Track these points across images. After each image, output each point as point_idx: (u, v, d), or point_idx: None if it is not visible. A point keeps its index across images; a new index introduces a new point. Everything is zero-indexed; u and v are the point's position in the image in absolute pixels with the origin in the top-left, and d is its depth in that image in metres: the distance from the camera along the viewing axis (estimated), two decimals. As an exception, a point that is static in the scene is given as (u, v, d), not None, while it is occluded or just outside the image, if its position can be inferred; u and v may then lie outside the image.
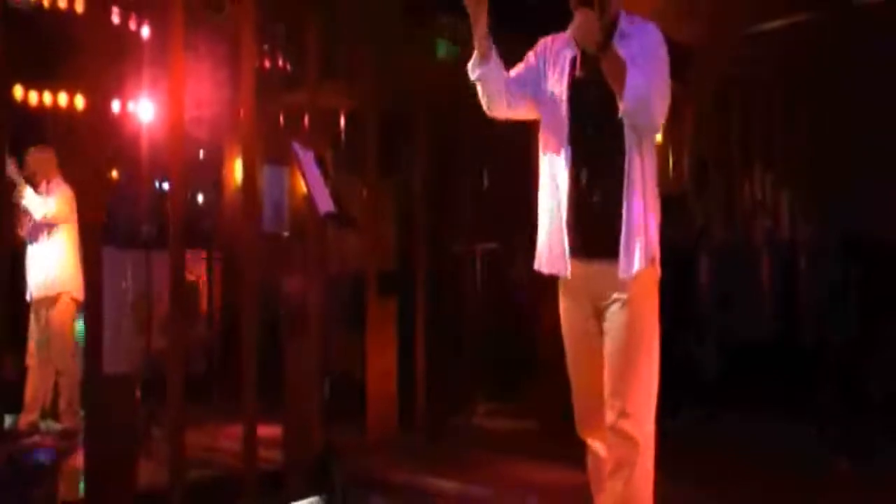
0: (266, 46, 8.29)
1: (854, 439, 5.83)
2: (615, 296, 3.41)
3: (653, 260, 3.40)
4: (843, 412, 6.17)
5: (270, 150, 7.69)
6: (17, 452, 4.74)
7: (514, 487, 5.25)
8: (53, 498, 4.75)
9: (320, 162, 4.78)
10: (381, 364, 6.66)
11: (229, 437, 6.18)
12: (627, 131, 3.36)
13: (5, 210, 5.87)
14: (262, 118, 6.34)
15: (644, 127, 3.35)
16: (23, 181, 6.73)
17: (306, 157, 4.73)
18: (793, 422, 6.24)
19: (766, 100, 9.76)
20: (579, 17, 3.32)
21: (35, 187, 6.85)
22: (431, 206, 7.28)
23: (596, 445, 3.62)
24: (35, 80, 8.54)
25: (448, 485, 5.31)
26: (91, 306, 4.98)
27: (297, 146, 4.78)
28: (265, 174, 8.26)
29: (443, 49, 8.52)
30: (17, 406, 6.79)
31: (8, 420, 5.93)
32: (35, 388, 6.97)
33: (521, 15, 4.75)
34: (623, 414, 3.37)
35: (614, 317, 3.43)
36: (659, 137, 3.40)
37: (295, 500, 5.00)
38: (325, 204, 4.64)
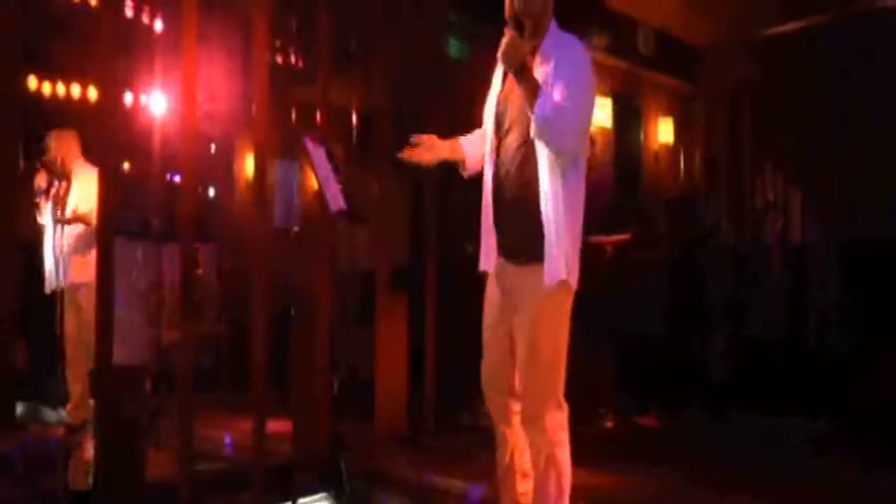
0: (279, 41, 8.30)
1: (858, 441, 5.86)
2: (524, 297, 3.70)
3: (564, 269, 3.61)
4: (849, 414, 6.18)
5: (282, 145, 7.70)
6: (27, 442, 4.73)
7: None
8: (63, 488, 4.76)
9: (331, 158, 4.77)
10: (390, 361, 6.66)
11: (238, 431, 6.18)
12: (540, 148, 3.59)
13: (18, 201, 5.88)
14: (275, 113, 6.33)
15: (552, 149, 3.55)
16: (42, 167, 6.68)
17: (318, 153, 4.72)
18: (799, 421, 6.26)
19: (778, 102, 9.76)
20: (504, 38, 3.58)
21: (56, 171, 6.76)
22: (443, 204, 7.27)
23: (502, 430, 3.89)
24: (49, 71, 8.55)
25: (455, 483, 5.32)
26: (102, 297, 4.99)
27: (308, 142, 4.78)
28: (276, 169, 8.27)
29: (454, 47, 8.53)
30: (30, 395, 6.75)
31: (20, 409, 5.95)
32: (76, 377, 6.86)
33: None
34: (526, 415, 3.72)
35: (520, 318, 3.72)
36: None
37: (303, 494, 5.01)
38: (337, 201, 4.63)
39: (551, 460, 3.69)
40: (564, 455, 3.73)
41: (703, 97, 11.01)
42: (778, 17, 9.25)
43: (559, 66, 3.59)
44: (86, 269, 6.70)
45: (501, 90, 3.84)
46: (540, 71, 3.62)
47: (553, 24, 3.74)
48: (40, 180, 6.59)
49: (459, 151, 4.00)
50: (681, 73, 10.87)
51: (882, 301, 6.49)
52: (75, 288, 6.71)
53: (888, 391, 6.11)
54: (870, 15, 8.78)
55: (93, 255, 6.73)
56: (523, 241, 3.69)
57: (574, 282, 3.69)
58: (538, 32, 3.69)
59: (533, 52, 3.67)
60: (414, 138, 3.94)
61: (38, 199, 6.64)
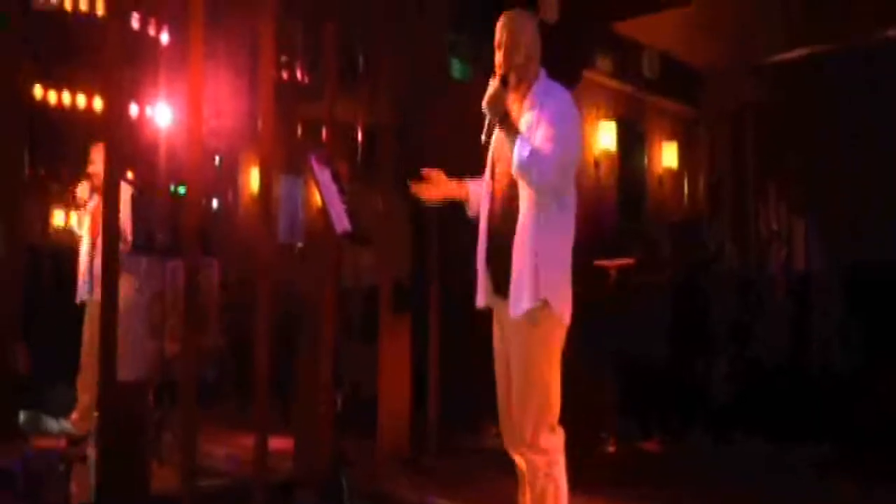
0: (285, 57, 8.30)
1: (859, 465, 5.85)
2: (513, 330, 3.88)
3: (546, 302, 3.78)
4: (854, 437, 6.16)
5: (287, 161, 7.69)
6: (29, 455, 4.69)
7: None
8: (66, 501, 4.72)
9: (337, 178, 4.78)
10: (394, 380, 6.62)
11: (240, 446, 6.14)
12: (523, 187, 3.83)
13: (24, 208, 5.83)
14: (280, 128, 6.32)
15: (534, 188, 3.79)
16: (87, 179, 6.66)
17: (323, 173, 4.74)
18: (800, 446, 6.24)
19: (782, 127, 9.78)
20: (489, 88, 3.86)
21: (96, 185, 6.73)
22: (447, 224, 7.26)
23: (517, 459, 4.00)
24: (55, 81, 8.54)
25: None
26: (105, 311, 4.96)
27: (314, 162, 4.79)
28: (281, 185, 8.26)
29: (457, 67, 8.54)
30: (31, 402, 6.71)
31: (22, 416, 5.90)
32: (85, 387, 6.78)
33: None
34: (523, 441, 3.86)
35: (512, 349, 3.92)
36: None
37: (304, 512, 4.98)
38: (342, 222, 4.66)
39: (549, 477, 3.85)
40: (561, 473, 3.89)
41: (707, 121, 11.03)
42: (783, 43, 9.28)
43: (543, 111, 3.86)
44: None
45: (497, 135, 4.04)
46: (527, 117, 3.90)
47: (542, 73, 4.01)
48: (83, 192, 6.57)
49: (465, 192, 4.23)
50: (685, 98, 10.89)
51: (886, 324, 6.48)
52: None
53: (892, 414, 6.10)
54: (875, 44, 8.81)
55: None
56: (506, 276, 3.85)
57: (560, 311, 3.85)
58: (524, 82, 3.97)
59: (521, 101, 3.96)
60: (424, 172, 4.18)
61: (78, 211, 6.64)
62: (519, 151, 3.75)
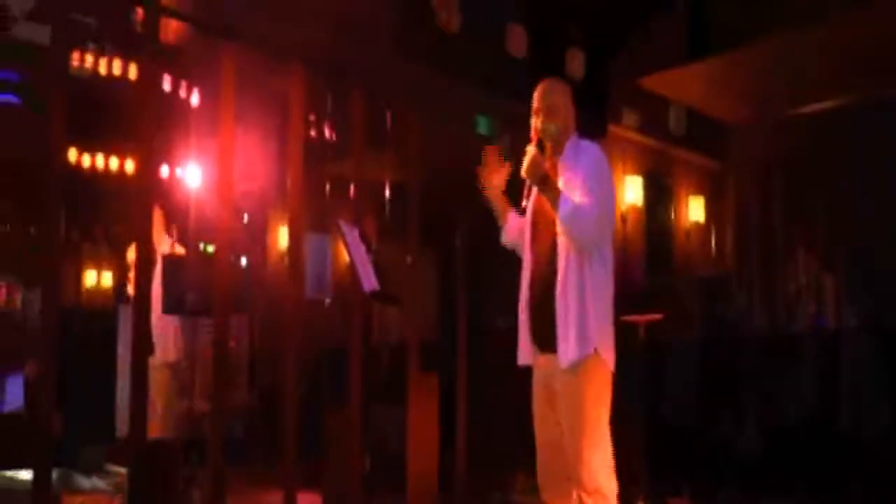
0: (313, 116, 8.40)
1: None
2: (559, 384, 3.95)
3: (595, 351, 3.89)
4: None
5: (315, 218, 7.76)
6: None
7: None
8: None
9: (365, 238, 4.89)
10: (422, 437, 6.62)
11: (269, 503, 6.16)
12: (563, 243, 3.97)
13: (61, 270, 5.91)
14: (308, 187, 6.41)
15: (578, 243, 3.92)
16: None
17: (352, 234, 4.83)
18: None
19: (809, 180, 9.76)
20: (526, 156, 4.02)
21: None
22: (474, 279, 7.30)
23: None
24: (88, 144, 8.70)
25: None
26: (135, 370, 5.03)
27: (343, 224, 4.90)
28: (309, 241, 8.32)
29: (483, 125, 8.62)
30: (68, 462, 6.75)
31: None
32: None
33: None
34: (582, 487, 3.88)
35: (560, 402, 3.97)
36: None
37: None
38: (370, 282, 4.74)
39: None
40: None
41: (734, 175, 11.03)
42: (810, 95, 9.30)
43: (578, 168, 4.01)
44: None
45: (534, 198, 4.19)
46: (563, 178, 4.04)
47: (573, 137, 4.15)
48: (132, 254, 6.68)
49: (508, 215, 4.34)
50: (711, 151, 10.92)
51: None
52: None
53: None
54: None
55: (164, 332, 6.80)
56: (551, 331, 3.96)
57: (608, 359, 3.96)
58: (559, 148, 4.11)
59: (555, 161, 4.10)
60: (486, 153, 4.27)
61: (129, 273, 6.73)
62: (562, 209, 3.89)
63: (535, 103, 4.14)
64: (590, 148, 4.10)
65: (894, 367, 6.55)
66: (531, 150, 4.02)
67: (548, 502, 4.10)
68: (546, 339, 4.01)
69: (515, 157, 4.13)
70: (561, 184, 4.01)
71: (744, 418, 7.07)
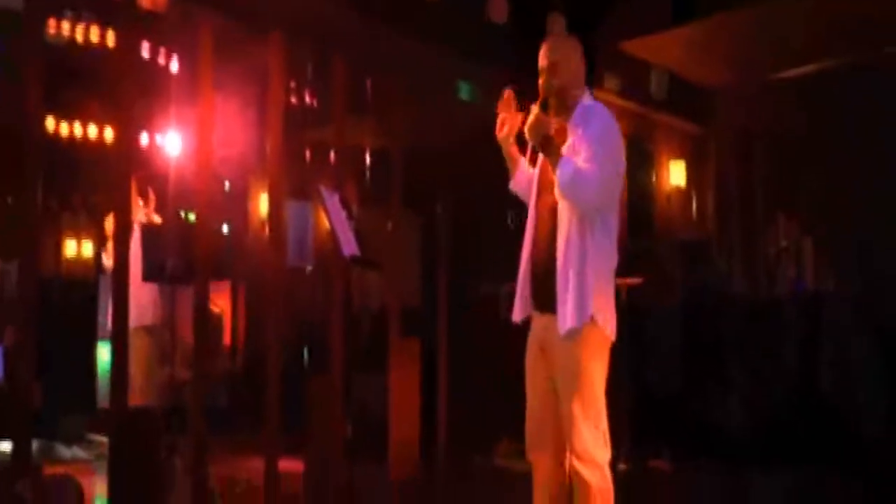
0: (293, 82, 8.34)
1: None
2: (560, 349, 3.92)
3: (592, 319, 3.85)
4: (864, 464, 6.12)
5: (296, 186, 7.74)
6: (43, 484, 4.74)
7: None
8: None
9: (345, 204, 4.87)
10: (403, 403, 6.65)
11: (251, 470, 6.17)
12: (564, 208, 3.92)
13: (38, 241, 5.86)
14: (289, 153, 6.38)
15: (576, 208, 3.88)
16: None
17: (332, 200, 4.82)
18: (815, 479, 6.20)
19: (789, 146, 9.78)
20: (530, 116, 3.97)
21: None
22: (455, 246, 7.30)
23: (539, 464, 4.08)
24: (66, 113, 8.64)
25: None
26: (116, 338, 5.02)
27: (323, 189, 4.88)
28: (290, 209, 8.30)
29: (464, 90, 8.59)
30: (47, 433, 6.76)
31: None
32: None
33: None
34: (574, 454, 3.88)
35: (556, 369, 3.95)
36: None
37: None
38: (350, 247, 4.72)
39: (602, 492, 3.89)
40: (611, 490, 3.93)
41: (716, 139, 11.03)
42: (792, 60, 9.28)
43: (585, 132, 3.93)
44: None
45: (541, 160, 4.14)
46: (571, 140, 3.96)
47: (585, 95, 4.10)
48: (110, 224, 6.64)
49: (518, 162, 4.28)
50: (693, 116, 10.90)
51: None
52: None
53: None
54: (885, 60, 8.81)
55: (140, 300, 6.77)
56: (550, 293, 3.93)
57: (606, 328, 3.92)
58: (566, 105, 4.05)
59: (563, 125, 4.02)
60: (506, 92, 4.17)
61: (107, 244, 6.70)
62: (561, 172, 3.85)
63: (540, 61, 4.09)
64: (600, 112, 4.04)
65: (875, 333, 6.58)
66: (535, 109, 3.97)
67: (534, 461, 4.10)
68: (545, 301, 3.99)
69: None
70: (567, 146, 3.96)
71: (724, 383, 7.10)
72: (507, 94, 4.17)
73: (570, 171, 3.83)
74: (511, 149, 4.25)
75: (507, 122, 4.16)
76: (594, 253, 3.88)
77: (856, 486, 5.92)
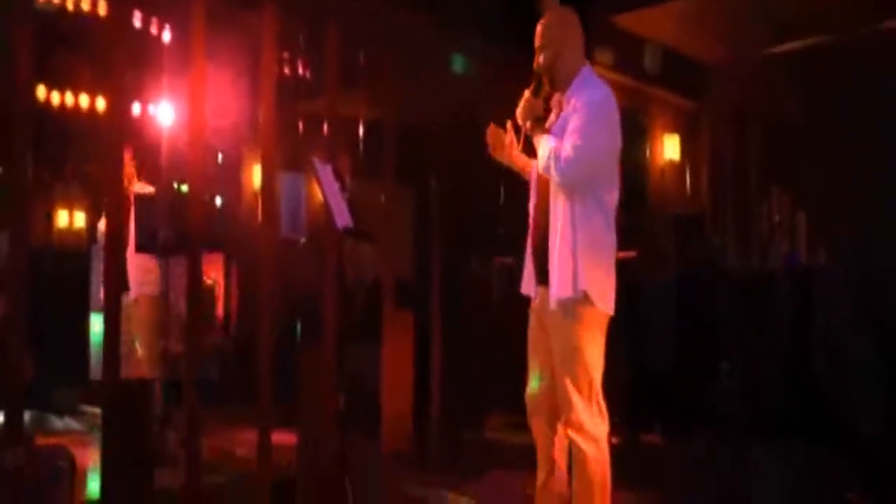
0: (286, 53, 8.29)
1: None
2: (555, 322, 4.01)
3: (586, 296, 3.90)
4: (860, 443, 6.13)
5: (289, 157, 7.70)
6: (35, 455, 4.73)
7: (529, 502, 5.23)
8: (71, 499, 4.75)
9: (338, 175, 4.84)
10: (396, 376, 6.66)
11: (244, 442, 6.17)
12: (554, 185, 3.97)
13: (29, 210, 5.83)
14: (282, 125, 6.35)
15: (561, 185, 3.92)
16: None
17: (324, 171, 4.79)
18: (808, 451, 6.21)
19: (783, 121, 9.76)
20: (522, 98, 4.06)
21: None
22: (449, 219, 7.27)
23: (537, 430, 4.19)
24: (57, 82, 8.58)
25: (461, 499, 5.30)
26: (108, 310, 5.00)
27: (316, 160, 4.86)
28: (283, 180, 8.26)
29: (459, 63, 8.55)
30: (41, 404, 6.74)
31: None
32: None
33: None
34: (569, 423, 3.95)
35: (553, 342, 4.03)
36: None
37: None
38: (343, 218, 4.70)
39: (598, 463, 3.95)
40: (608, 461, 3.99)
41: (710, 113, 11.00)
42: (786, 35, 9.26)
43: (576, 109, 3.95)
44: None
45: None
46: (565, 114, 4.02)
47: (583, 70, 4.09)
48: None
49: (528, 164, 4.31)
50: (687, 90, 10.87)
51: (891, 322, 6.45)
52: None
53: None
54: (880, 34, 8.78)
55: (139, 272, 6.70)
56: (546, 267, 4.02)
57: (601, 303, 3.96)
58: (562, 80, 4.07)
59: (560, 101, 4.09)
60: (490, 131, 4.24)
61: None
62: (541, 151, 3.95)
63: (535, 41, 4.11)
64: (596, 88, 4.02)
65: (867, 307, 6.58)
66: (527, 93, 4.04)
67: (533, 427, 4.19)
68: (542, 274, 4.09)
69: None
70: (561, 117, 4.02)
71: (716, 357, 7.10)
72: (491, 129, 4.23)
73: (550, 149, 3.90)
74: (516, 161, 4.31)
75: (499, 147, 4.25)
76: (583, 227, 3.91)
77: (848, 458, 5.93)
